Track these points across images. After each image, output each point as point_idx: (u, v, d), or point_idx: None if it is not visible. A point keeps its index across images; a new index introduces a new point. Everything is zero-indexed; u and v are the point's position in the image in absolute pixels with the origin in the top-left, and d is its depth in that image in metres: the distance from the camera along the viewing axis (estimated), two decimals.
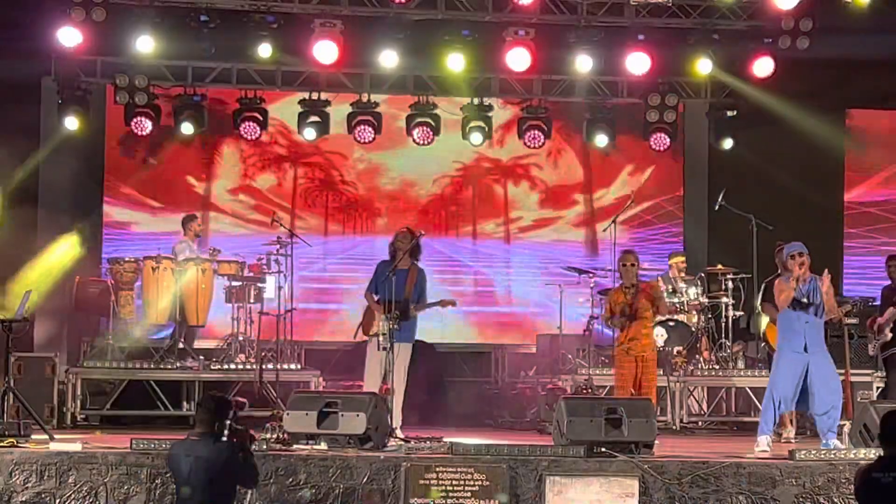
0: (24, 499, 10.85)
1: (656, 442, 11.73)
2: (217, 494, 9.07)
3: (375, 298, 13.38)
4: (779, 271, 13.82)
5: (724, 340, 16.07)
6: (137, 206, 18.18)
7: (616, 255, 15.30)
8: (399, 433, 12.61)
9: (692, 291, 16.08)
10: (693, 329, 15.99)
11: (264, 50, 16.32)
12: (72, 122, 16.63)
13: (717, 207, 16.36)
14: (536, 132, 17.76)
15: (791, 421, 14.20)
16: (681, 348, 15.77)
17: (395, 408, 12.76)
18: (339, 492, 10.95)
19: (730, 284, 16.07)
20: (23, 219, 16.71)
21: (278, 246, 15.38)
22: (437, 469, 10.95)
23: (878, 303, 15.15)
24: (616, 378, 13.50)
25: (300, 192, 18.63)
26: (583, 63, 16.80)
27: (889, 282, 14.89)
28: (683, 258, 16.63)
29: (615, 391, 13.60)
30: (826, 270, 12.20)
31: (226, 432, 9.20)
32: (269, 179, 18.56)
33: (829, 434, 12.16)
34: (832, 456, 11.40)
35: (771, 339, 14.37)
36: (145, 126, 16.88)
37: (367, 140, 17.60)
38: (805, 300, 12.19)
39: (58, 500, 10.87)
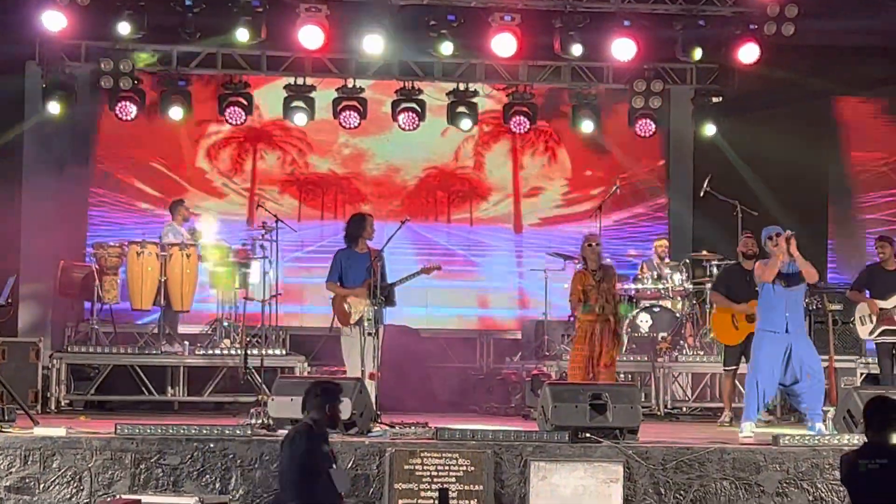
0: (7, 484, 10.83)
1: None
2: (313, 481, 9.07)
3: (339, 286, 13.39)
4: (739, 260, 13.99)
5: (708, 326, 16.09)
6: (123, 191, 18.17)
7: (603, 241, 15.33)
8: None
9: (677, 277, 16.11)
10: (677, 315, 16.02)
11: (242, 34, 16.23)
12: (55, 107, 16.59)
13: (702, 194, 16.38)
14: (522, 118, 17.76)
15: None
16: (665, 334, 15.80)
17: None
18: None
19: (714, 270, 16.08)
20: (7, 203, 16.72)
21: (263, 231, 15.35)
22: (422, 454, 10.96)
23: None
24: (572, 359, 13.45)
25: (284, 176, 18.62)
26: (568, 49, 16.78)
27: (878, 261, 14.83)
28: (665, 242, 16.68)
29: (569, 374, 13.57)
30: (788, 231, 12.30)
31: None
32: (252, 164, 18.56)
33: (813, 419, 12.20)
34: (816, 442, 11.43)
35: (717, 329, 14.44)
36: (130, 111, 16.85)
37: (352, 125, 17.58)
38: (786, 279, 12.26)
39: (42, 485, 10.85)
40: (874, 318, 14.31)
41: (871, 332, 14.37)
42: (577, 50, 16.76)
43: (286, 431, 9.89)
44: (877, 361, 14.76)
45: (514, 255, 18.77)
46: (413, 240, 17.83)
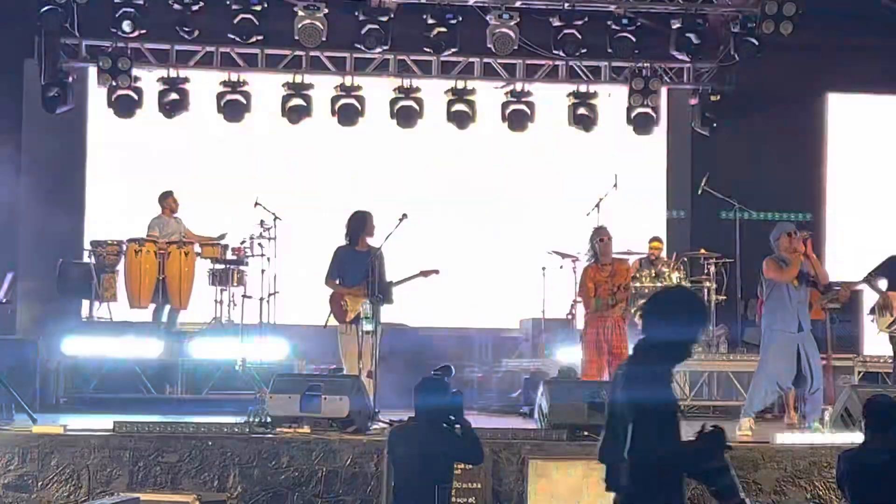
0: (6, 481, 10.84)
1: None
2: (436, 477, 8.93)
3: (338, 283, 13.37)
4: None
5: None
6: (121, 189, 18.18)
7: None
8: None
9: (674, 276, 16.11)
10: None
11: (241, 32, 16.25)
12: (54, 105, 16.60)
13: (699, 192, 16.40)
14: (520, 116, 17.78)
15: (795, 407, 14.04)
16: None
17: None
18: (322, 475, 10.96)
19: (712, 269, 16.11)
20: (6, 200, 16.73)
21: (261, 229, 15.35)
22: None
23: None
24: (589, 358, 13.34)
25: (282, 174, 18.62)
26: (566, 47, 16.80)
27: None
28: (658, 243, 16.71)
29: (584, 371, 13.47)
30: (804, 233, 12.30)
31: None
32: (251, 161, 18.56)
33: (811, 416, 12.19)
34: (814, 440, 11.44)
35: None
36: (128, 108, 16.88)
37: (350, 123, 17.58)
38: (801, 279, 12.27)
39: (40, 483, 10.86)
40: (894, 312, 14.22)
41: (890, 325, 14.26)
42: (574, 48, 16.78)
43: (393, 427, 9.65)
44: (892, 357, 14.62)
45: (515, 253, 18.72)
46: (412, 237, 17.80)
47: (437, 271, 13.94)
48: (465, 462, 9.49)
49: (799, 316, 12.26)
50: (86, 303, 15.89)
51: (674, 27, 16.96)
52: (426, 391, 9.19)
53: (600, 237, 13.51)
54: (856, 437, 10.63)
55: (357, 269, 13.15)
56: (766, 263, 12.46)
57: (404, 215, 13.37)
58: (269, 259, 15.32)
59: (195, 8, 16.22)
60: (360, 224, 13.52)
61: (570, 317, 15.82)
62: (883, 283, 14.18)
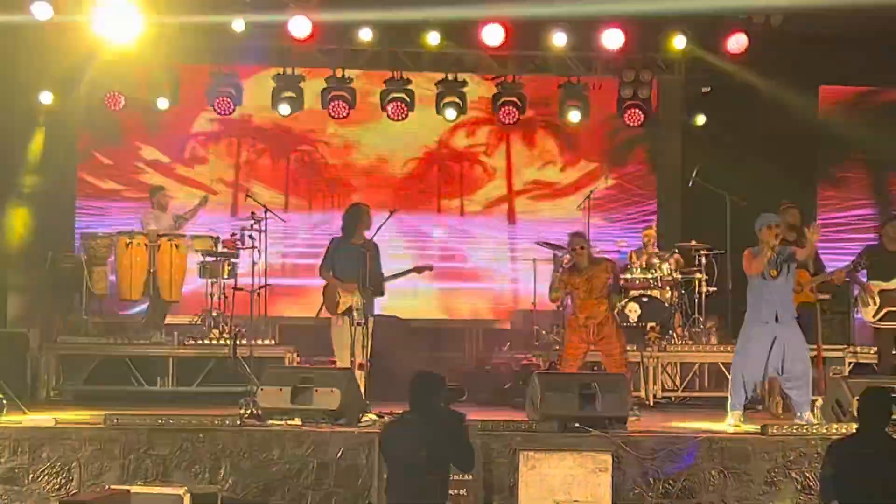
0: None
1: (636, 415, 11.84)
2: (432, 475, 8.96)
3: (331, 274, 13.33)
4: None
5: (697, 316, 16.11)
6: (112, 181, 18.16)
7: (590, 231, 15.33)
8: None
9: (665, 267, 16.11)
10: (667, 304, 16.03)
11: (238, 25, 16.26)
12: (46, 98, 16.61)
13: (690, 184, 16.39)
14: (511, 108, 17.77)
15: (780, 397, 14.04)
16: (654, 324, 15.80)
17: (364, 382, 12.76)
18: (313, 467, 10.98)
19: (703, 260, 16.11)
20: None
21: (252, 221, 15.33)
22: None
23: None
24: (565, 351, 13.38)
25: (274, 167, 18.60)
26: (557, 39, 16.79)
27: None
28: (652, 232, 16.72)
29: (561, 363, 13.48)
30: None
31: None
32: (243, 155, 18.54)
33: (801, 408, 12.21)
34: (804, 431, 11.46)
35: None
36: (119, 100, 16.85)
37: (341, 115, 17.57)
38: (776, 270, 12.26)
39: (31, 476, 10.86)
40: (877, 300, 14.19)
41: (875, 315, 14.24)
42: (565, 40, 16.76)
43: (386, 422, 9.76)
44: (876, 349, 14.61)
45: (506, 245, 18.74)
46: (403, 231, 17.82)
47: (430, 267, 13.96)
48: (457, 467, 9.44)
49: (778, 306, 12.27)
50: (76, 295, 15.85)
51: (664, 18, 16.92)
52: (421, 386, 9.21)
53: (573, 246, 13.38)
54: (846, 428, 10.68)
55: (351, 261, 13.12)
56: (744, 255, 12.52)
57: (394, 210, 13.38)
58: (260, 251, 15.30)
59: None
60: (355, 217, 13.49)
61: (561, 308, 15.81)
62: (864, 276, 14.20)
